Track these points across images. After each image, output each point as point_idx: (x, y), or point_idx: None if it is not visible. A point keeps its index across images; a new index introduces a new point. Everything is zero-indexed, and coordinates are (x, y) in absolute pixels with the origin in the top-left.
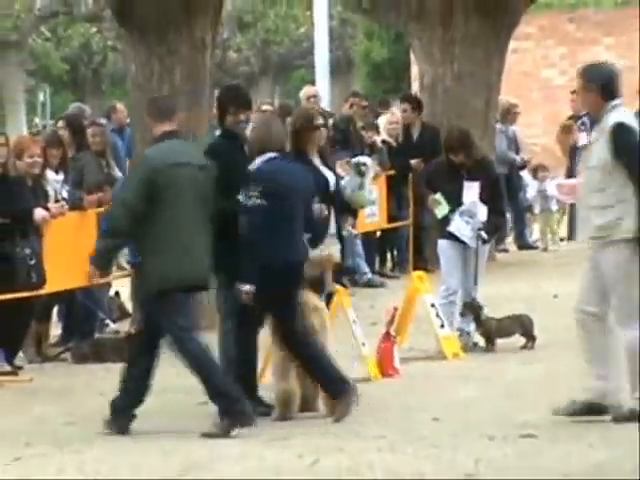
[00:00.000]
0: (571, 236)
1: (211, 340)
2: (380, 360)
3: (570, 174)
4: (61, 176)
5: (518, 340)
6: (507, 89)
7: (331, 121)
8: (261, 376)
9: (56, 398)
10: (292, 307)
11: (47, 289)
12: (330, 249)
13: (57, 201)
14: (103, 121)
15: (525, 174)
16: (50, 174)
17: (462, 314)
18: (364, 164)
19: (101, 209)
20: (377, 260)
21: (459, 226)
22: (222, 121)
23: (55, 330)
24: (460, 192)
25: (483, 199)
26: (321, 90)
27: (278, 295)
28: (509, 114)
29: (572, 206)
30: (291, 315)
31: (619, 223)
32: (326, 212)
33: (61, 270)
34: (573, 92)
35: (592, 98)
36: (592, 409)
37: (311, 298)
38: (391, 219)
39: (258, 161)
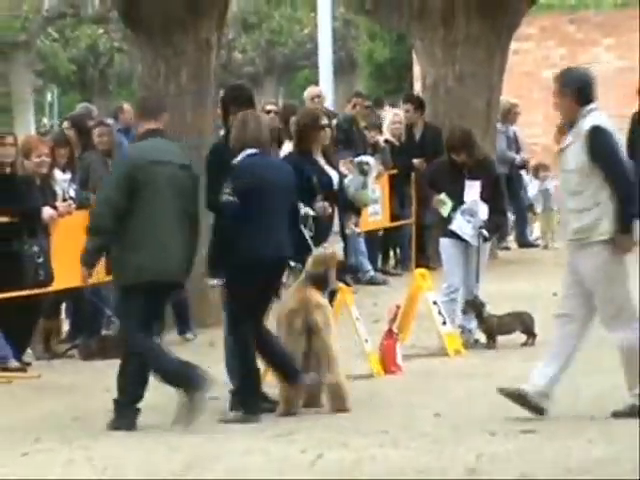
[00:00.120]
0: None
1: (218, 336)
2: (383, 357)
3: None
4: (68, 175)
5: (519, 337)
6: (508, 89)
7: (335, 121)
8: (265, 373)
9: (64, 394)
10: (248, 306)
11: (55, 286)
12: (334, 247)
13: (65, 200)
14: (110, 121)
15: (525, 173)
16: (58, 173)
17: (464, 311)
18: (367, 163)
19: None
20: (380, 258)
21: (461, 225)
22: (226, 121)
23: (63, 327)
24: (462, 191)
25: (484, 198)
26: (324, 90)
27: (252, 290)
28: (509, 114)
29: None
30: (240, 317)
31: (596, 225)
32: (330, 210)
33: (68, 268)
34: None
35: (567, 103)
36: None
37: (314, 295)
38: (394, 218)
39: (237, 158)
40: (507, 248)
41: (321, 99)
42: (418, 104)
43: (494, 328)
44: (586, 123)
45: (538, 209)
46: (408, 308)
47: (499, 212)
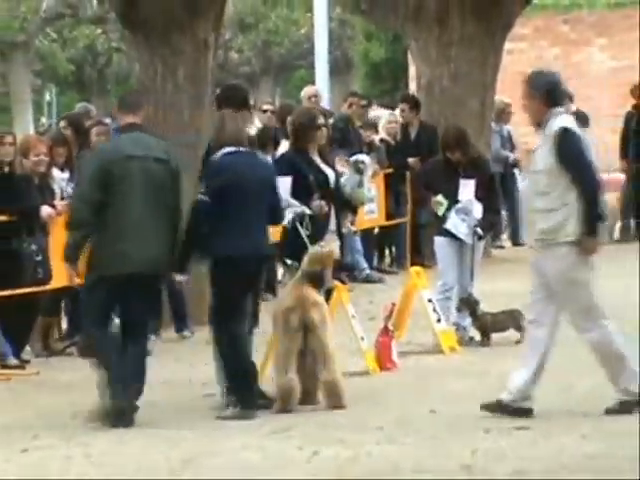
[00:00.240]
0: None
1: None
2: (378, 354)
3: None
4: (67, 174)
5: (513, 334)
6: (502, 89)
7: (331, 120)
8: (262, 371)
9: (62, 391)
10: (231, 303)
11: (53, 284)
12: (330, 245)
13: (63, 199)
14: (108, 120)
15: (518, 172)
16: (56, 172)
17: (458, 309)
18: (362, 162)
19: None
20: (375, 256)
21: (455, 223)
22: None
23: (62, 324)
24: (456, 190)
25: (479, 197)
26: (321, 90)
27: (219, 288)
28: (503, 114)
29: None
30: (228, 315)
31: (563, 226)
32: (326, 209)
33: None
34: None
35: (536, 105)
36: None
37: (311, 293)
38: (389, 216)
39: (214, 156)
40: (501, 247)
41: (318, 98)
42: (414, 104)
43: (488, 326)
44: (555, 125)
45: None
46: (403, 306)
47: (493, 211)
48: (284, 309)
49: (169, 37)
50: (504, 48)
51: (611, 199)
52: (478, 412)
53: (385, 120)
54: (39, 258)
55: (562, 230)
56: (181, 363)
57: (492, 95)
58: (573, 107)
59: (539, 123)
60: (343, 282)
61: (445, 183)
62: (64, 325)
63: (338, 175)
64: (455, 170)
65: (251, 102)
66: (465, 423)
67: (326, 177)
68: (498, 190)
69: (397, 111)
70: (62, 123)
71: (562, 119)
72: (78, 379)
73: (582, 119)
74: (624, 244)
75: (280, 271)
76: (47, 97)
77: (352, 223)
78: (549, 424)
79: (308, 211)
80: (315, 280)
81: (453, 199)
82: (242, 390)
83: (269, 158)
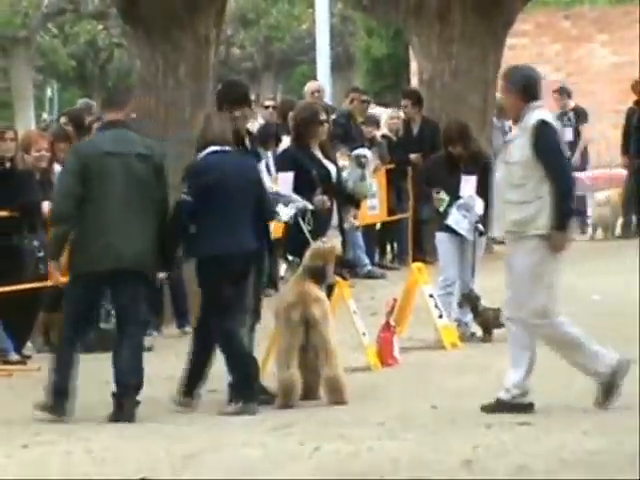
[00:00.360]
0: None
1: None
2: (380, 350)
3: None
4: None
5: None
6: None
7: (333, 116)
8: (264, 366)
9: None
10: (221, 302)
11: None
12: (333, 241)
13: None
14: None
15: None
16: (57, 168)
17: (460, 305)
18: (364, 156)
19: None
20: (377, 252)
21: (457, 219)
22: None
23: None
24: (458, 186)
25: (480, 193)
26: (323, 85)
27: (208, 288)
28: (505, 109)
29: None
30: (220, 313)
31: (535, 219)
32: (329, 204)
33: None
34: (555, 91)
35: (513, 99)
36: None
37: (313, 289)
38: (391, 212)
39: (199, 156)
40: (502, 242)
41: (321, 94)
42: (416, 99)
43: (490, 321)
44: (533, 118)
45: None
46: (405, 301)
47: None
48: (286, 305)
49: (170, 33)
50: (505, 44)
51: (613, 195)
52: (479, 408)
53: (387, 116)
54: (41, 254)
55: (533, 223)
56: (182, 359)
57: (493, 91)
58: (572, 103)
59: (516, 117)
60: (344, 278)
61: (447, 179)
62: None
63: (340, 170)
64: (457, 166)
65: (252, 98)
66: (466, 419)
67: (328, 172)
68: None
69: (388, 112)
70: (63, 119)
71: (540, 112)
72: (79, 374)
73: (581, 115)
74: (625, 240)
75: (282, 267)
76: (49, 93)
77: (355, 217)
78: (550, 420)
79: (310, 206)
80: (317, 276)
81: (454, 195)
82: (243, 385)
83: (270, 154)
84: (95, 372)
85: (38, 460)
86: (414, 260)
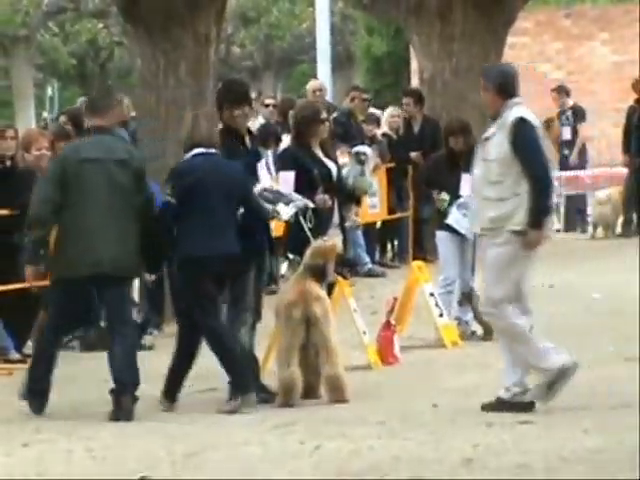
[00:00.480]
0: (567, 227)
1: None
2: (380, 348)
3: (562, 166)
4: None
5: None
6: None
7: (335, 114)
8: (264, 365)
9: (64, 385)
10: (202, 303)
11: None
12: (334, 239)
13: None
14: None
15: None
16: None
17: (460, 303)
18: (364, 153)
19: None
20: (377, 250)
21: (457, 218)
22: (221, 116)
23: None
24: (458, 185)
25: None
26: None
27: (189, 289)
28: None
29: (568, 198)
30: (204, 312)
31: (512, 215)
32: (330, 203)
33: None
34: (554, 89)
35: (490, 97)
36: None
37: (313, 287)
38: (391, 210)
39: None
40: None
41: (323, 92)
42: (418, 97)
43: None
44: (511, 115)
45: None
46: (405, 300)
47: None
48: (286, 303)
49: (171, 31)
50: (506, 42)
51: (613, 193)
52: (480, 406)
53: (388, 114)
54: (41, 253)
55: (510, 219)
56: None
57: None
58: (570, 102)
59: (494, 115)
60: (344, 277)
61: (447, 178)
62: None
63: (340, 168)
64: (457, 165)
65: (254, 95)
66: (467, 417)
67: (329, 171)
68: None
69: (389, 110)
70: (62, 118)
71: (518, 109)
72: (79, 373)
73: (579, 114)
74: (625, 239)
75: (283, 265)
76: (49, 91)
77: (357, 214)
78: (551, 418)
79: (311, 204)
80: (318, 274)
81: (455, 194)
82: (238, 379)
83: (270, 153)
84: (95, 371)
85: (38, 459)
86: (414, 259)
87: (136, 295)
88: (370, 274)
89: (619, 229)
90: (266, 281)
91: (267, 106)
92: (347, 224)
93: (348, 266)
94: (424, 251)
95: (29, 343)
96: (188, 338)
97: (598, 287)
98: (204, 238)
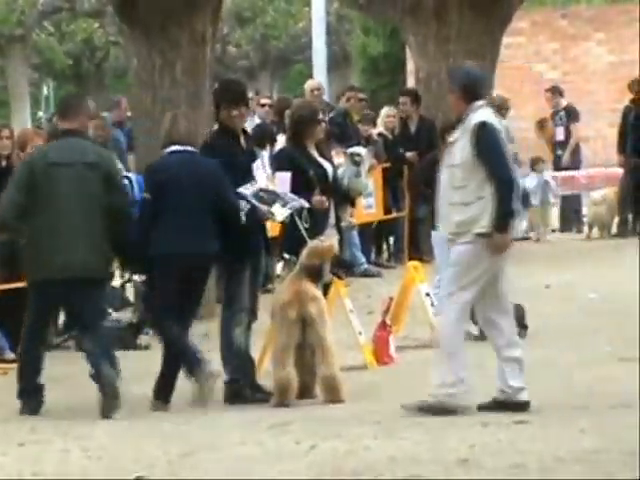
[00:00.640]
0: (563, 228)
1: (212, 328)
2: (376, 348)
3: (556, 167)
4: None
5: None
6: (499, 83)
7: (331, 114)
8: (259, 365)
9: (59, 384)
10: (165, 300)
11: None
12: (330, 240)
13: None
14: (105, 114)
15: (517, 167)
16: None
17: None
18: (359, 154)
19: None
20: (373, 251)
21: None
22: (217, 116)
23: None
24: None
25: None
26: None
27: (170, 286)
28: (502, 109)
29: (564, 198)
30: (163, 308)
31: (477, 219)
32: (326, 203)
33: None
34: (548, 90)
35: (454, 99)
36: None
37: (309, 288)
38: (387, 211)
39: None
40: None
41: (320, 92)
42: (414, 97)
43: None
44: (474, 119)
45: (535, 201)
46: (401, 300)
47: None
48: (282, 303)
49: (167, 31)
50: (502, 43)
51: (609, 194)
52: (475, 406)
53: (384, 114)
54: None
55: (477, 223)
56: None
57: (490, 90)
58: (564, 102)
59: (459, 118)
60: (340, 277)
61: None
62: (61, 319)
63: (336, 168)
64: None
65: (250, 94)
66: (463, 417)
67: (325, 171)
68: None
69: (385, 109)
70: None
71: (482, 113)
72: (75, 373)
73: (572, 114)
74: (621, 239)
75: (279, 265)
76: (45, 91)
77: (351, 215)
78: (547, 418)
79: (306, 204)
80: (314, 274)
81: None
82: (190, 366)
83: (265, 154)
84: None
85: (34, 458)
86: (410, 259)
87: (131, 296)
88: (366, 274)
89: (615, 229)
90: (262, 281)
91: (263, 106)
92: (343, 224)
93: (345, 267)
94: (420, 251)
95: None
96: None
97: (594, 287)
98: (172, 236)
